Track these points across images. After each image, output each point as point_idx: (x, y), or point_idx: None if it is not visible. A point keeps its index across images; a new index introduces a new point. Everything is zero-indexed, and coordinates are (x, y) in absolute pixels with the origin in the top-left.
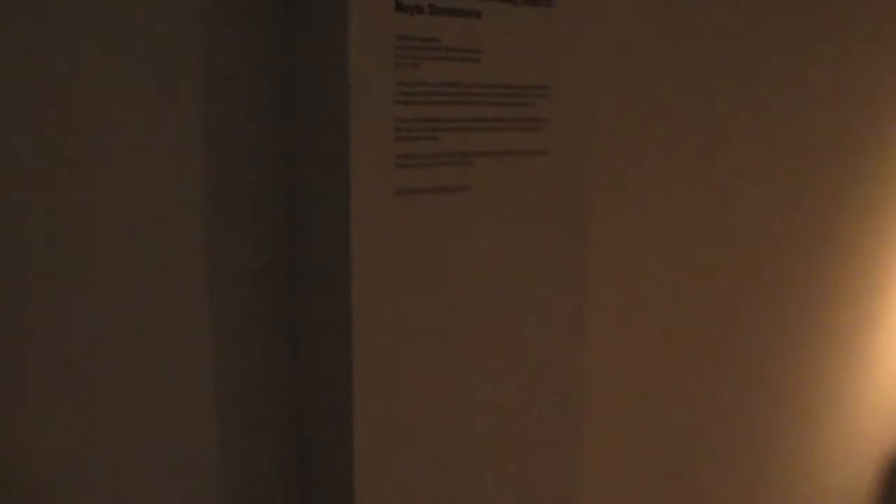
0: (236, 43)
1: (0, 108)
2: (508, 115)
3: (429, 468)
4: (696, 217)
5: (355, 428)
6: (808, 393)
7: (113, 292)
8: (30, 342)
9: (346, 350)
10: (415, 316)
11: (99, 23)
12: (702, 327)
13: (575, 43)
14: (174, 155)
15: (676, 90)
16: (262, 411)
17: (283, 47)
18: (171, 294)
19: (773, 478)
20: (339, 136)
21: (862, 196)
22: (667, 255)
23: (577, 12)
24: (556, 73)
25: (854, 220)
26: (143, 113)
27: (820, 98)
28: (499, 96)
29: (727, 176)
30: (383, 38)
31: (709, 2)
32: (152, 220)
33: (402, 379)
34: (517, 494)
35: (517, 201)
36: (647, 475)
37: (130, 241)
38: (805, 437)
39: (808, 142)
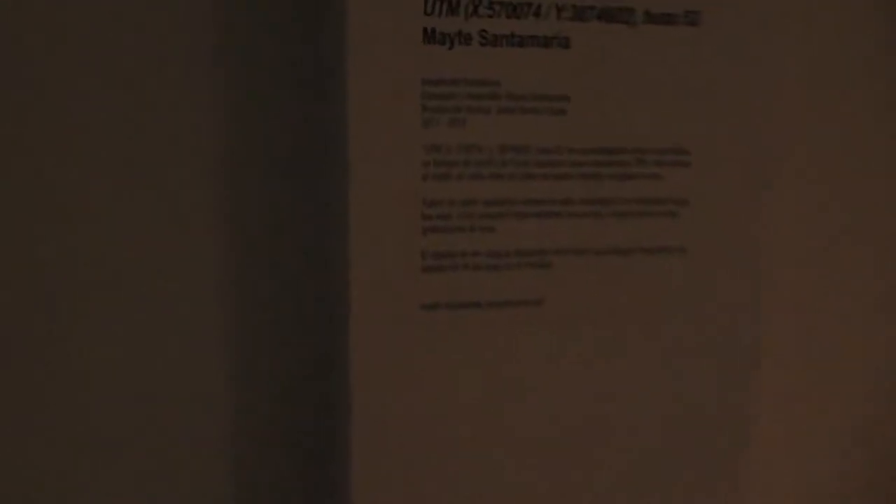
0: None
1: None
2: (617, 193)
3: None
4: None
5: None
6: None
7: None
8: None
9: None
10: None
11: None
12: None
13: (735, 81)
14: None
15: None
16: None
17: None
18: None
19: None
20: (339, 229)
21: None
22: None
23: (743, 33)
24: (701, 129)
25: None
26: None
27: None
28: (599, 165)
29: None
30: (402, 81)
31: None
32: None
33: None
34: None
35: (624, 324)
36: None
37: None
38: None
39: None
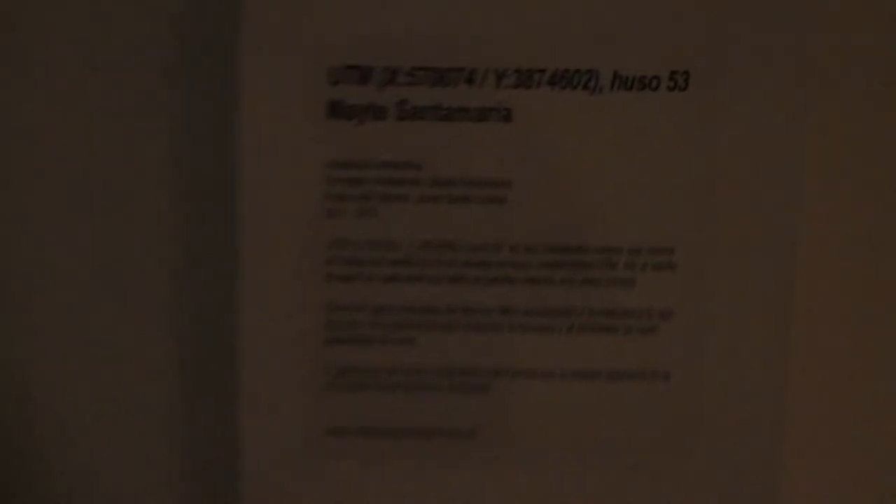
0: None
1: None
2: (576, 302)
3: None
4: None
5: None
6: None
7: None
8: None
9: None
10: None
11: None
12: None
13: (740, 161)
14: None
15: None
16: None
17: None
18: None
19: None
20: (228, 339)
21: None
22: None
23: (747, 99)
24: (690, 222)
25: None
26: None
27: None
28: (550, 267)
29: None
30: (302, 164)
31: None
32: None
33: None
34: None
35: (588, 474)
36: None
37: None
38: None
39: None
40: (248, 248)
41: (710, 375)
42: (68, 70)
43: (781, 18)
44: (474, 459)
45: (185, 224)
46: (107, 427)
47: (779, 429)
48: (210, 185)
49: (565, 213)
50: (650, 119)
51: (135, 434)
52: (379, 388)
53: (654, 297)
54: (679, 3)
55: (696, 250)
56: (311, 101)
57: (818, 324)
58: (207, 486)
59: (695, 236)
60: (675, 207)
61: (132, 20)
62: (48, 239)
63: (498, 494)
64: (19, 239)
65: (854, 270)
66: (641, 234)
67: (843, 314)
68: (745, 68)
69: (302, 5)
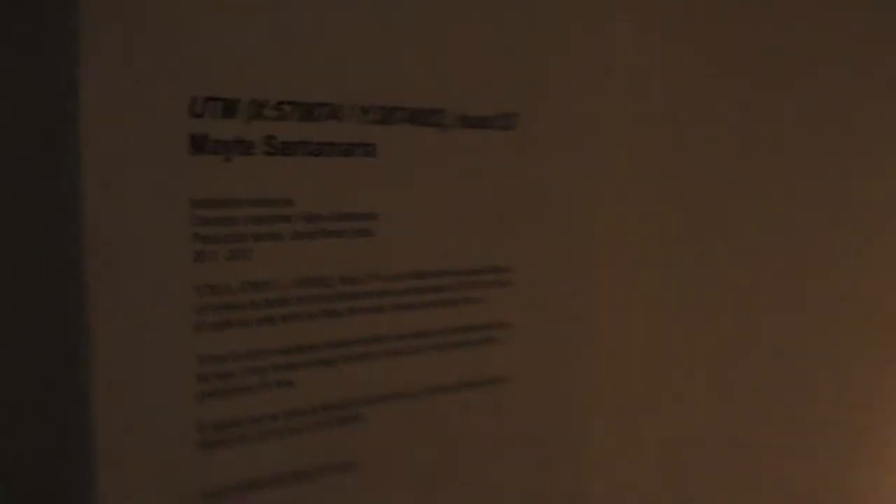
0: None
1: None
2: (433, 324)
3: None
4: None
5: None
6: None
7: None
8: None
9: None
10: None
11: None
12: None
13: (557, 189)
14: None
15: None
16: None
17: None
18: None
19: None
20: (81, 403)
21: None
22: None
23: (562, 136)
24: (523, 244)
25: None
26: None
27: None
28: (414, 293)
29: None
30: (164, 204)
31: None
32: None
33: None
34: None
35: (452, 473)
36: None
37: None
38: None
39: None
40: (101, 303)
41: (542, 377)
42: None
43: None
44: (357, 492)
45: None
46: None
47: (582, 427)
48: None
49: (424, 240)
50: (486, 155)
51: None
52: (258, 439)
53: (494, 312)
54: (509, 56)
55: (528, 268)
56: (170, 136)
57: (622, 326)
58: None
59: (526, 256)
60: (509, 231)
61: None
62: None
63: None
64: None
65: (651, 282)
66: (484, 256)
67: (643, 321)
68: (566, 112)
69: (157, 30)
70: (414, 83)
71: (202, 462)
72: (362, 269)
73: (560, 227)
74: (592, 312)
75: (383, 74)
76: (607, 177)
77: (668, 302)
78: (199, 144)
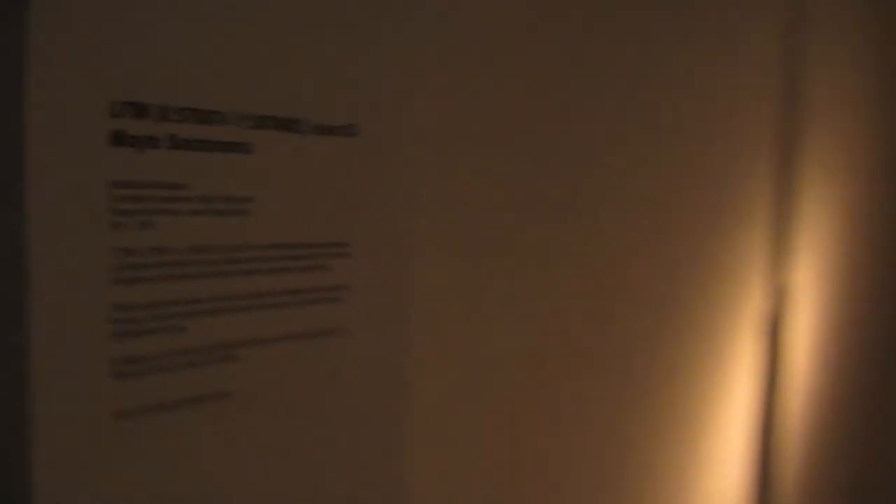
0: None
1: None
2: (292, 284)
3: None
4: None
5: None
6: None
7: None
8: None
9: None
10: None
11: None
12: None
13: (386, 183)
14: None
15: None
16: None
17: None
18: None
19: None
20: (19, 338)
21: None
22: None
23: (391, 142)
24: (359, 225)
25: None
26: None
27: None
28: (278, 260)
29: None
30: (88, 185)
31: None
32: None
33: None
34: None
35: (306, 403)
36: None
37: None
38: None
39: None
40: (39, 256)
41: (375, 329)
42: None
43: (401, 102)
44: (232, 416)
45: None
46: None
47: (405, 365)
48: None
49: (287, 220)
50: (334, 156)
51: None
52: (159, 371)
53: (338, 276)
54: (353, 79)
55: (366, 244)
56: (96, 131)
57: (437, 294)
58: None
59: (361, 234)
60: (350, 215)
61: None
62: None
63: (253, 444)
64: None
65: (464, 261)
66: (330, 233)
67: (458, 290)
68: (396, 124)
69: (88, 50)
70: (282, 98)
71: (114, 389)
72: (240, 241)
73: (389, 212)
74: (410, 279)
75: (259, 91)
76: (429, 175)
77: (479, 275)
78: (118, 138)
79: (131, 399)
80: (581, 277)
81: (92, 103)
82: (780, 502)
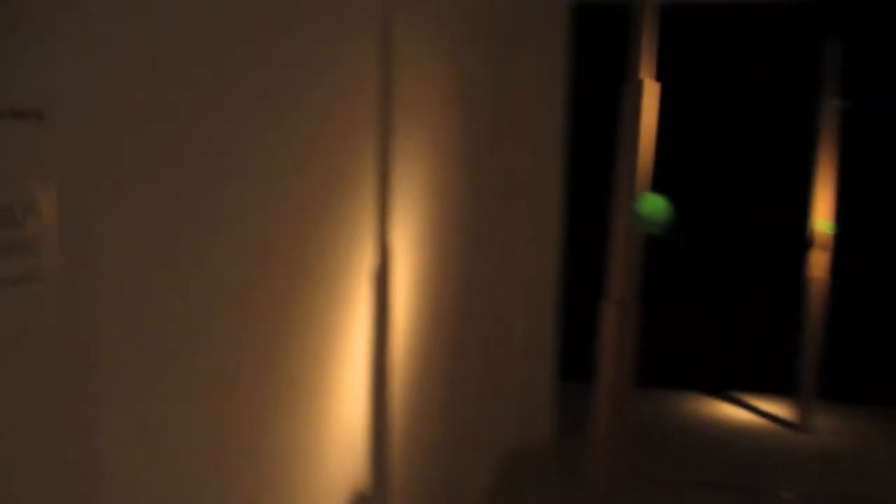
0: None
1: None
2: None
3: None
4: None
5: None
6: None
7: None
8: None
9: None
10: None
11: None
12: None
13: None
14: None
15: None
16: None
17: None
18: None
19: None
20: None
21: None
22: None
23: (85, 128)
24: (44, 190)
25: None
26: None
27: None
28: None
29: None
30: None
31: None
32: None
33: None
34: None
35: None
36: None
37: None
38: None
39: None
40: None
41: (73, 280)
42: None
43: None
44: None
45: None
46: None
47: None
48: None
49: None
50: (21, 138)
51: None
52: None
53: (34, 232)
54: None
55: (52, 207)
56: None
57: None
58: None
59: (49, 199)
60: (38, 181)
61: None
62: None
63: None
64: None
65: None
66: (22, 196)
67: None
68: (83, 108)
69: None
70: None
71: None
72: None
73: (80, 182)
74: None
75: None
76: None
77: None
78: None
79: None
80: (219, 248)
81: None
82: (391, 414)
